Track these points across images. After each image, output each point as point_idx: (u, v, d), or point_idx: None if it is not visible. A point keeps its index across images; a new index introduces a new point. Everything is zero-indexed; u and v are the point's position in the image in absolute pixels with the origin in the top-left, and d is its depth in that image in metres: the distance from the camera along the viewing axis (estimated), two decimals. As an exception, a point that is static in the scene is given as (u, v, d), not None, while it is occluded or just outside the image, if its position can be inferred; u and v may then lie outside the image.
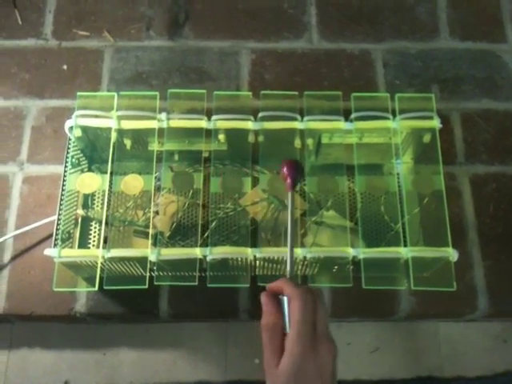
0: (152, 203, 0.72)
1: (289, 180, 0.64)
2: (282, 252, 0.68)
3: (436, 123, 0.73)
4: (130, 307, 0.77)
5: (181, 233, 0.78)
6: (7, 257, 0.80)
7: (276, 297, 0.55)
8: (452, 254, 0.66)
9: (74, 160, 0.75)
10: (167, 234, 0.76)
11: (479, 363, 0.84)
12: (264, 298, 0.55)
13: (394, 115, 0.74)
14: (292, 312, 0.53)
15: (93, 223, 0.79)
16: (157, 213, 0.76)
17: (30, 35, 0.94)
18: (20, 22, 0.95)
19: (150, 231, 0.69)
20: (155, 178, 0.75)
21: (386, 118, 0.74)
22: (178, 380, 0.82)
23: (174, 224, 0.77)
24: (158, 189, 0.76)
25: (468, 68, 0.93)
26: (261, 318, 0.55)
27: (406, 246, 0.68)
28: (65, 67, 0.92)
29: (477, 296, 0.79)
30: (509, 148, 0.87)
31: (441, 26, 0.97)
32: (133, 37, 0.94)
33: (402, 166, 0.82)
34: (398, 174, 0.80)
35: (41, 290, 0.77)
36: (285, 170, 0.65)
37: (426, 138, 0.74)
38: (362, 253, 0.66)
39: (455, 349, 0.84)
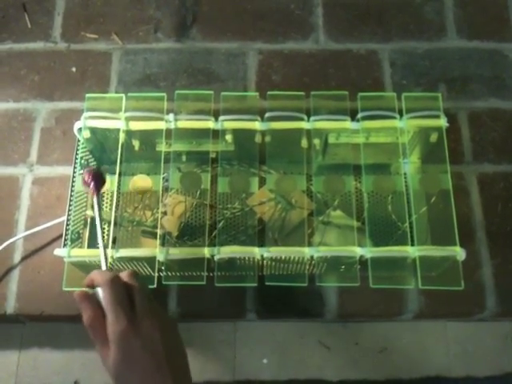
0: (160, 203, 0.73)
1: (92, 186, 0.68)
2: (290, 252, 0.68)
3: (443, 122, 0.73)
4: (139, 307, 0.78)
5: (188, 233, 0.78)
6: (17, 257, 0.80)
7: (89, 292, 0.55)
8: (460, 253, 0.66)
9: (83, 161, 0.75)
10: (175, 234, 0.76)
11: (488, 363, 0.83)
12: (77, 297, 0.55)
13: (401, 115, 0.74)
14: (103, 299, 0.54)
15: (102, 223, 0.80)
16: (165, 213, 0.77)
17: (39, 38, 0.95)
18: (29, 25, 0.96)
19: (158, 231, 0.70)
20: (163, 178, 0.75)
21: (393, 118, 0.74)
22: (187, 380, 0.83)
23: (182, 224, 0.78)
24: (165, 189, 0.77)
25: (475, 67, 0.93)
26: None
27: (413, 245, 0.68)
28: (74, 69, 0.93)
29: (485, 295, 0.79)
30: (517, 147, 0.87)
31: (448, 25, 0.97)
32: (141, 39, 0.95)
33: (410, 165, 0.82)
34: (405, 173, 0.80)
35: (51, 290, 0.78)
36: (86, 178, 0.68)
37: (433, 138, 0.74)
38: (369, 252, 0.67)
39: (464, 348, 0.84)
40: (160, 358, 0.52)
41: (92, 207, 0.77)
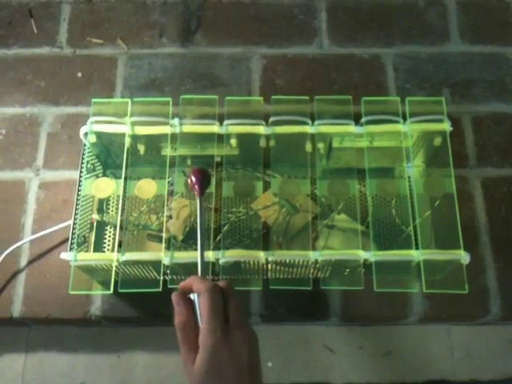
0: (165, 207, 0.73)
1: (196, 187, 0.65)
2: (294, 255, 0.68)
3: (447, 126, 0.73)
4: (144, 310, 0.78)
5: (194, 236, 0.78)
6: (24, 261, 0.81)
7: (187, 295, 0.56)
8: (464, 256, 0.67)
9: (89, 165, 0.76)
10: (180, 237, 0.77)
11: (492, 367, 0.83)
12: (175, 298, 0.56)
13: (405, 119, 0.75)
14: (201, 307, 0.54)
15: (107, 227, 0.80)
16: (170, 217, 0.77)
17: (45, 43, 0.96)
18: (35, 31, 0.97)
19: (164, 235, 0.70)
20: (168, 182, 0.76)
21: (397, 122, 0.74)
22: (192, 383, 0.83)
23: (187, 228, 0.78)
24: (171, 193, 0.77)
25: (479, 71, 0.94)
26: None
27: (417, 248, 0.68)
28: (79, 74, 0.93)
29: (489, 299, 0.79)
30: (520, 151, 0.87)
31: (451, 29, 0.97)
32: (146, 44, 0.96)
33: (413, 169, 0.82)
34: (409, 177, 0.81)
35: (57, 294, 0.79)
36: (192, 178, 0.65)
37: (437, 141, 0.75)
38: (373, 255, 0.67)
39: (468, 352, 0.84)
40: (244, 371, 0.52)
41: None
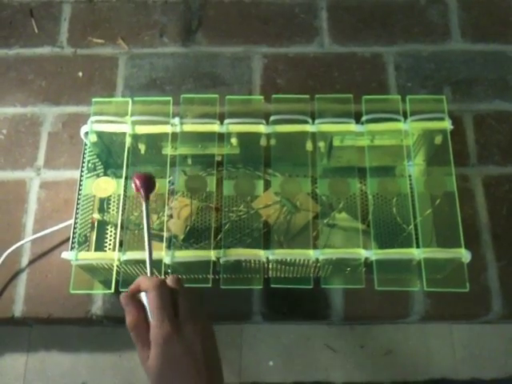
0: (166, 207, 0.73)
1: (142, 191, 0.65)
2: (295, 254, 0.68)
3: (447, 124, 0.73)
4: (145, 310, 0.78)
5: (194, 236, 0.79)
6: (25, 261, 0.81)
7: (135, 296, 0.57)
8: (465, 255, 0.67)
9: (89, 165, 0.76)
10: (181, 236, 0.77)
11: (494, 365, 0.83)
12: (123, 299, 0.57)
13: (406, 117, 0.75)
14: (149, 303, 0.55)
15: (108, 227, 0.80)
16: (171, 216, 0.77)
17: (46, 43, 0.96)
18: (36, 31, 0.97)
19: (165, 234, 0.70)
20: (169, 182, 0.76)
21: (398, 120, 0.74)
22: (193, 382, 0.83)
23: (188, 227, 0.78)
24: (171, 193, 0.77)
25: (480, 70, 0.93)
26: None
27: (418, 247, 0.68)
28: (80, 74, 0.93)
29: (491, 297, 0.79)
30: (522, 149, 0.87)
31: (452, 28, 0.97)
32: (147, 43, 0.96)
33: (414, 168, 0.82)
34: (410, 175, 0.81)
35: (58, 293, 0.79)
36: (136, 182, 0.65)
37: (438, 140, 0.75)
38: (374, 254, 0.67)
39: (469, 351, 0.84)
40: (199, 362, 0.53)
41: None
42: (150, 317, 0.55)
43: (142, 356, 0.54)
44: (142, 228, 0.62)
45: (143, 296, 0.57)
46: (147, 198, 0.65)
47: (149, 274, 0.61)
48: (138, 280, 0.58)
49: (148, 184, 0.65)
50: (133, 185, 0.66)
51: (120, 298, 0.57)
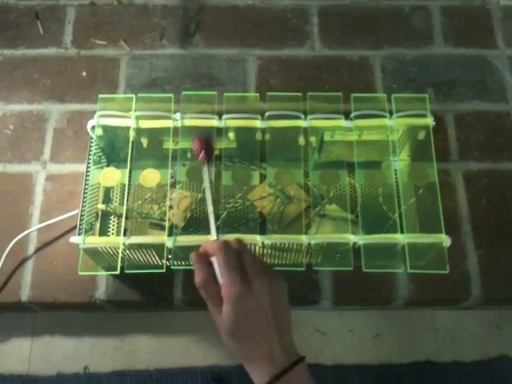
0: (168, 198, 0.78)
1: (202, 155, 0.69)
2: (289, 239, 0.73)
3: (430, 121, 0.79)
4: (147, 294, 0.82)
5: (194, 225, 0.83)
6: (32, 249, 0.85)
7: (205, 257, 0.61)
8: (445, 239, 0.72)
9: (95, 157, 0.80)
10: (181, 226, 0.81)
11: (474, 349, 0.88)
12: (194, 257, 0.61)
13: (391, 114, 0.80)
14: (218, 263, 0.59)
15: (111, 217, 0.85)
16: (171, 207, 0.82)
17: (51, 44, 1.01)
18: (42, 32, 1.02)
19: (167, 224, 0.75)
20: (170, 174, 0.80)
21: (384, 117, 0.79)
22: (191, 365, 0.87)
23: (188, 217, 0.82)
24: (172, 185, 0.82)
25: (461, 72, 0.99)
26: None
27: (403, 233, 0.73)
28: (84, 74, 0.98)
29: (471, 283, 0.83)
30: (500, 146, 0.93)
31: (435, 33, 1.03)
32: (147, 45, 1.01)
33: (399, 163, 0.87)
34: (395, 170, 0.86)
35: (63, 279, 0.83)
36: (197, 145, 0.69)
37: (421, 135, 0.80)
38: (361, 239, 0.72)
39: (451, 335, 0.89)
40: (268, 314, 0.58)
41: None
42: (218, 277, 0.59)
43: (213, 312, 0.59)
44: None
45: (212, 258, 0.60)
46: (207, 161, 0.68)
47: (214, 237, 0.65)
48: (204, 244, 0.62)
49: (208, 147, 0.69)
50: (194, 147, 0.68)
51: (190, 256, 0.61)
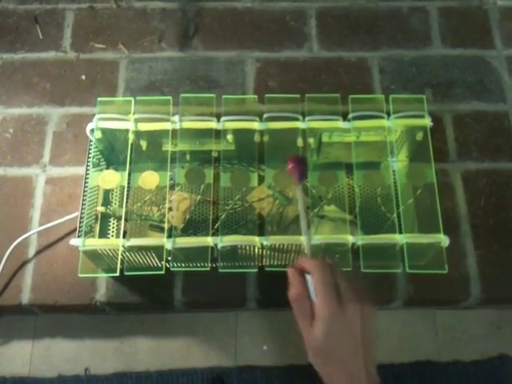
0: (167, 200, 0.78)
1: (296, 175, 0.68)
2: (288, 240, 0.73)
3: (427, 121, 0.79)
4: (147, 296, 0.83)
5: (193, 227, 0.83)
6: (32, 251, 0.85)
7: (300, 272, 0.61)
8: (444, 239, 0.72)
9: (94, 160, 0.81)
10: (180, 227, 0.82)
11: (474, 348, 0.88)
12: (291, 271, 0.61)
13: (389, 115, 0.80)
14: (315, 281, 0.59)
15: (111, 219, 0.85)
16: (170, 209, 0.82)
17: (50, 48, 1.02)
18: (41, 36, 1.02)
19: (166, 225, 0.75)
20: (169, 177, 0.80)
21: (382, 118, 0.80)
22: (192, 366, 0.88)
23: (187, 219, 0.83)
24: (171, 187, 0.82)
25: (459, 73, 1.00)
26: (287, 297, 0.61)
27: (401, 233, 0.73)
28: (83, 77, 0.98)
29: (470, 283, 0.84)
30: (498, 146, 0.93)
31: (433, 34, 1.04)
32: (146, 49, 1.01)
33: (398, 164, 0.87)
34: (394, 171, 0.86)
35: (63, 282, 0.83)
36: (291, 165, 0.69)
37: (419, 136, 0.80)
38: (360, 239, 0.72)
39: (451, 335, 0.89)
40: (357, 341, 0.58)
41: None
42: (312, 294, 0.59)
43: (303, 328, 0.59)
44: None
45: (307, 276, 0.60)
46: (299, 182, 0.68)
47: (308, 256, 0.65)
48: (301, 261, 0.62)
49: (301, 169, 0.68)
50: (289, 166, 0.68)
51: (287, 271, 0.61)
